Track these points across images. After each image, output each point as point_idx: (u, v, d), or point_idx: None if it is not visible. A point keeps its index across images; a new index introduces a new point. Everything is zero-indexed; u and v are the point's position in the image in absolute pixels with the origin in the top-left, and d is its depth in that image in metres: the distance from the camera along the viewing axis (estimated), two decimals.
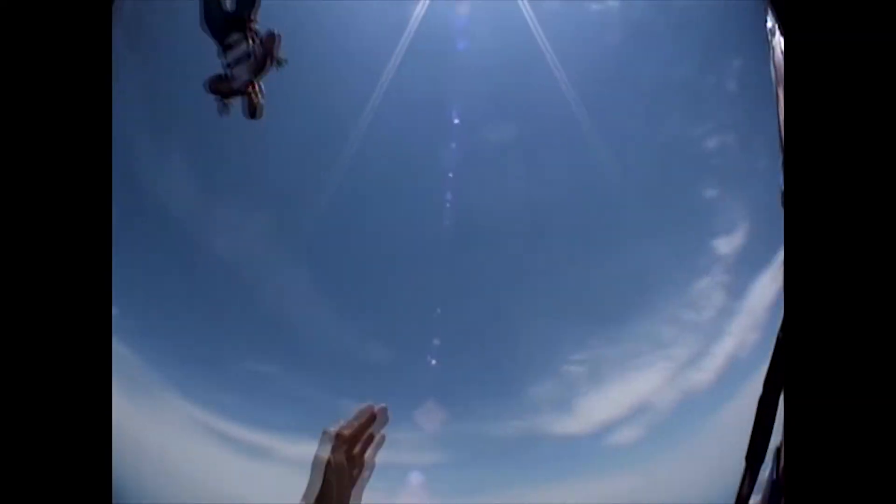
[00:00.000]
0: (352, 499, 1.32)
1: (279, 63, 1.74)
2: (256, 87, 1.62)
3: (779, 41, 0.74)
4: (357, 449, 1.35)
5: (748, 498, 0.71)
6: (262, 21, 1.81)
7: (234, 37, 1.79)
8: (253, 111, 1.73)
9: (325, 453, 1.30)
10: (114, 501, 0.94)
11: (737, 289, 2.29)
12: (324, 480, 1.30)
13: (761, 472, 0.77)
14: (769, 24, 0.74)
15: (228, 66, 1.78)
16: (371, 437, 1.37)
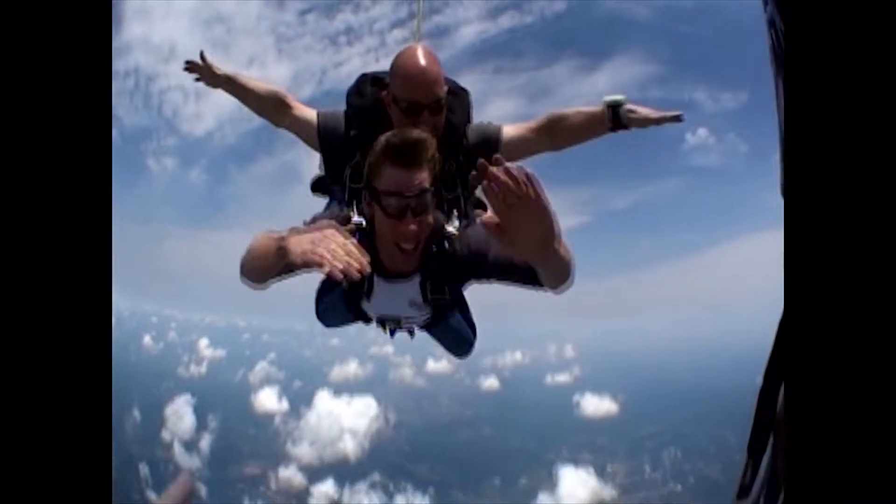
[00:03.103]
0: None
1: None
2: None
3: (779, 32, 0.74)
4: None
5: (750, 489, 0.71)
6: None
7: None
8: None
9: None
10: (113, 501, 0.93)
11: None
12: None
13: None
14: (768, 15, 0.74)
15: None
16: None
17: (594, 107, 2.14)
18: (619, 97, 2.10)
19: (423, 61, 1.92)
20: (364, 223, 1.81)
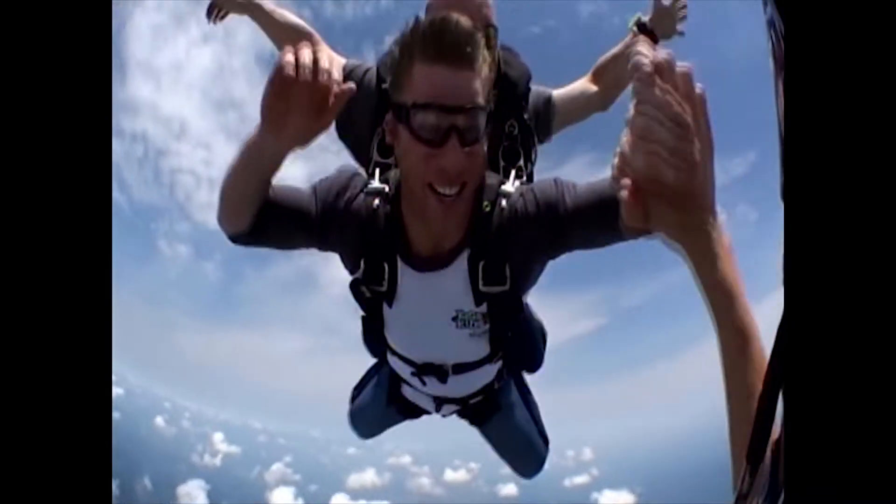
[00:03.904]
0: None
1: None
2: None
3: (779, 32, 0.74)
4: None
5: (748, 496, 0.71)
6: None
7: None
8: None
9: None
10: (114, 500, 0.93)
11: None
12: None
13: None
14: (768, 15, 0.74)
15: None
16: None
17: (621, 44, 1.95)
18: (636, 15, 1.91)
19: None
20: (387, 189, 1.27)
